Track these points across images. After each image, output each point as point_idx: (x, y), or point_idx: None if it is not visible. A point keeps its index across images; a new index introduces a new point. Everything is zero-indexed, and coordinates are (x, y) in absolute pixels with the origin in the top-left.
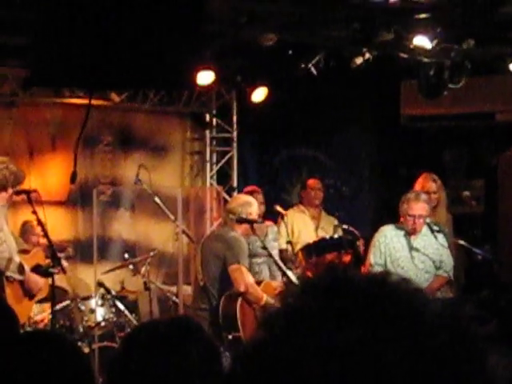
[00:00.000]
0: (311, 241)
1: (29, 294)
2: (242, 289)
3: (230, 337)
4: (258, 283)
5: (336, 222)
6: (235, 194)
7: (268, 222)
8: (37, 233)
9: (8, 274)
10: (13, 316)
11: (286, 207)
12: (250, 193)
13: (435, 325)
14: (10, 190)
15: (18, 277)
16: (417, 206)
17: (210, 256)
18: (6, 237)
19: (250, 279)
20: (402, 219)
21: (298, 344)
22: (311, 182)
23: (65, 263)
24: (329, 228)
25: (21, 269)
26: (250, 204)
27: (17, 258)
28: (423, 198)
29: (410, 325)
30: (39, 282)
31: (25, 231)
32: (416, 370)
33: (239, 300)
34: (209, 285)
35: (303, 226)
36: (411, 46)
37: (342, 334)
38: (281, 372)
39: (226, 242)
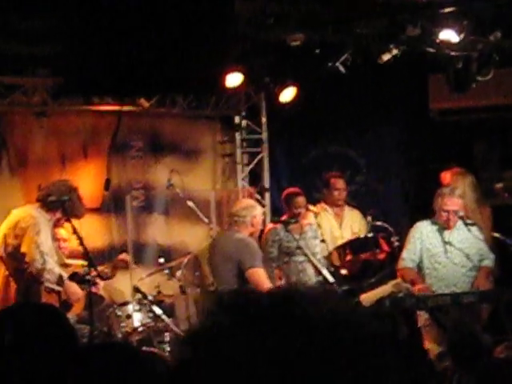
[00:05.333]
0: (337, 239)
1: (65, 304)
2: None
3: None
4: None
5: (361, 215)
6: (267, 194)
7: (307, 221)
8: (58, 238)
9: (46, 284)
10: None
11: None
12: (292, 194)
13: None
14: (59, 214)
15: (56, 287)
16: (451, 201)
17: (220, 260)
18: (48, 249)
19: (268, 282)
20: (436, 214)
21: (216, 362)
22: (335, 181)
23: (101, 283)
24: (354, 223)
25: (60, 280)
26: (255, 207)
27: (56, 270)
28: (457, 193)
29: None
30: (78, 292)
31: None
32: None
33: None
34: (221, 289)
35: (327, 225)
36: (438, 41)
37: (255, 347)
38: None
39: (238, 246)
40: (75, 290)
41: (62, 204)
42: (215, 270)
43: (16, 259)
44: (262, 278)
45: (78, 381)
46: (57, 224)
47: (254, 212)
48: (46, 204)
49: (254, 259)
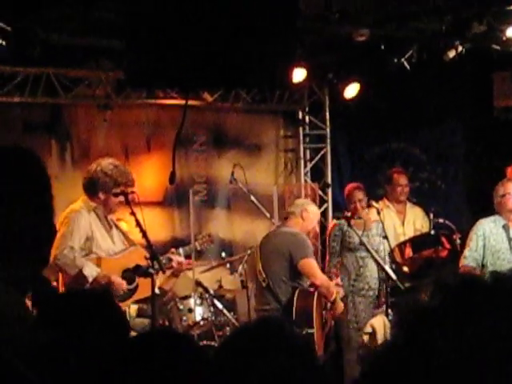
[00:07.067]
0: (400, 236)
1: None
2: (318, 282)
3: (304, 333)
4: None
5: (423, 212)
6: (330, 190)
7: (374, 218)
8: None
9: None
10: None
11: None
12: (351, 188)
13: None
14: (103, 195)
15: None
16: None
17: (271, 255)
18: (76, 242)
19: (321, 273)
20: (497, 208)
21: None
22: (397, 177)
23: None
24: (416, 220)
25: (81, 277)
26: (309, 203)
27: (78, 263)
28: None
29: None
30: (121, 286)
31: None
32: None
33: (315, 295)
34: (273, 284)
35: (390, 222)
36: (504, 38)
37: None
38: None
39: (287, 239)
40: (118, 283)
41: (125, 196)
42: (267, 265)
43: None
44: (314, 268)
45: (138, 369)
46: (113, 210)
47: (306, 206)
48: (90, 191)
49: (305, 250)
